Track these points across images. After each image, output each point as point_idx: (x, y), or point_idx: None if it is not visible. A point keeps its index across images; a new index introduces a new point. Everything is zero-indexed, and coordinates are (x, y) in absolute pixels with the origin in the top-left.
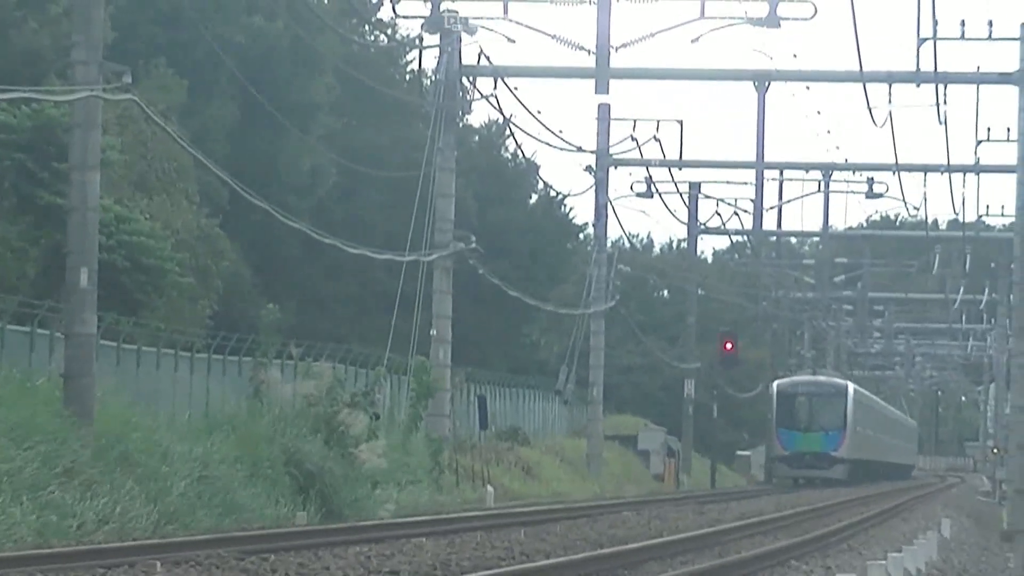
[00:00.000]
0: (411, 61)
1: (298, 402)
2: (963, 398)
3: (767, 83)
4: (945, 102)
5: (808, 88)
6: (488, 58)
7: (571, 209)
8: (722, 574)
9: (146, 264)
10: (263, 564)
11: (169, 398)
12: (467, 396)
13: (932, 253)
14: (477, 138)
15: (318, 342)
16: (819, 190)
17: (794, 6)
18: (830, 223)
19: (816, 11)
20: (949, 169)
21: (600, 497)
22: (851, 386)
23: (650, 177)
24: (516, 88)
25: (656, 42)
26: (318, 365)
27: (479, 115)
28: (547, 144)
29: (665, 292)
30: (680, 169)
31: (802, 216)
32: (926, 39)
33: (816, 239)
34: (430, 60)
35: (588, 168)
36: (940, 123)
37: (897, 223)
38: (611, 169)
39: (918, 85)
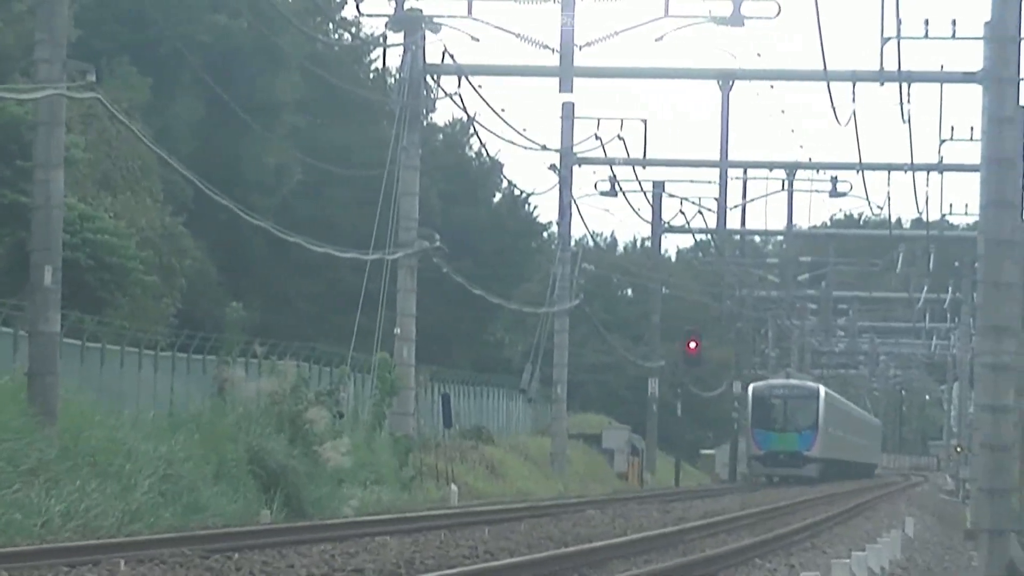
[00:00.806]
0: (375, 59)
1: (262, 400)
2: (927, 397)
3: (731, 82)
4: (909, 101)
5: (772, 87)
6: (452, 56)
7: (535, 208)
8: (686, 573)
9: (110, 262)
10: (227, 562)
11: (133, 397)
12: (431, 394)
13: (896, 252)
14: (441, 136)
15: (282, 340)
16: (783, 189)
17: (758, 5)
18: (794, 222)
19: (780, 10)
20: (913, 168)
21: (564, 496)
22: (823, 389)
23: (614, 176)
24: (480, 86)
25: (620, 41)
26: (282, 363)
27: (443, 113)
28: (511, 143)
29: (629, 291)
30: (644, 168)
31: (766, 215)
32: (890, 38)
33: (780, 238)
34: (394, 58)
35: (552, 167)
36: (904, 122)
37: (861, 222)
38: (575, 168)
39: (882, 84)
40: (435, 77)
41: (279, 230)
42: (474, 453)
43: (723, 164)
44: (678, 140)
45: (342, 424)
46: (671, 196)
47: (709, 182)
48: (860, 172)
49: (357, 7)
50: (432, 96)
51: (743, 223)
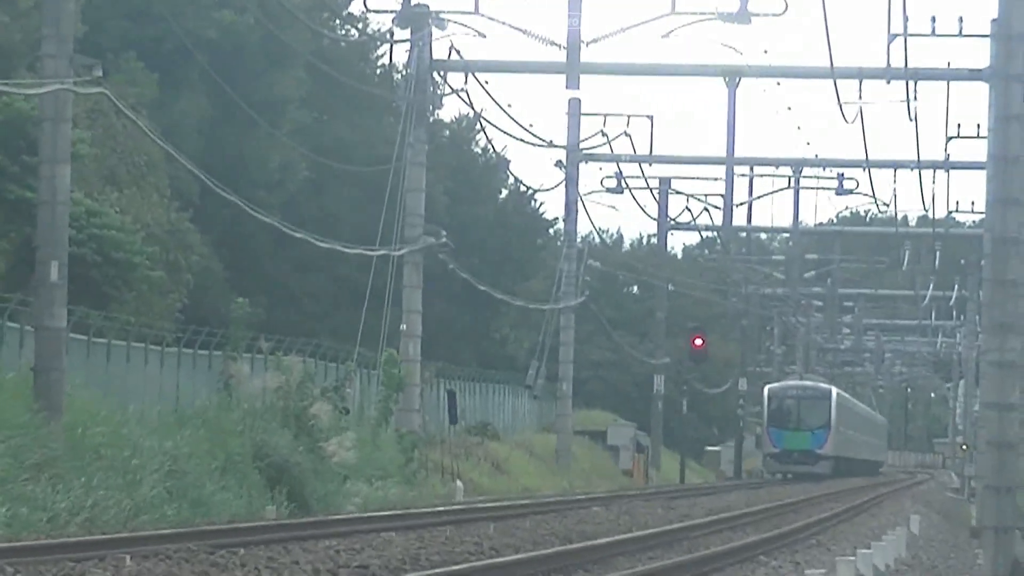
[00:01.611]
0: (382, 56)
1: (268, 396)
2: (932, 394)
3: (738, 79)
4: (915, 98)
5: (779, 84)
6: (459, 53)
7: (541, 204)
8: (691, 569)
9: (116, 258)
10: (232, 558)
11: (139, 392)
12: (437, 391)
13: (902, 249)
14: (448, 133)
15: (288, 336)
16: (789, 186)
17: (765, 2)
18: (800, 219)
19: (787, 7)
20: (919, 165)
21: (569, 492)
22: (835, 390)
23: (620, 172)
24: (487, 83)
25: (627, 37)
26: (288, 359)
27: (449, 110)
28: (517, 139)
29: (635, 288)
30: (650, 164)
31: (772, 212)
32: (897, 35)
33: (786, 235)
34: (401, 55)
35: (558, 163)
36: (910, 119)
37: (867, 219)
38: (581, 164)
39: (888, 81)
40: (441, 73)
41: (285, 226)
42: (479, 449)
43: (729, 161)
44: (684, 137)
45: (347, 420)
46: (677, 193)
47: (715, 179)
48: (866, 169)
49: (364, 3)
50: (438, 92)
51: (749, 220)
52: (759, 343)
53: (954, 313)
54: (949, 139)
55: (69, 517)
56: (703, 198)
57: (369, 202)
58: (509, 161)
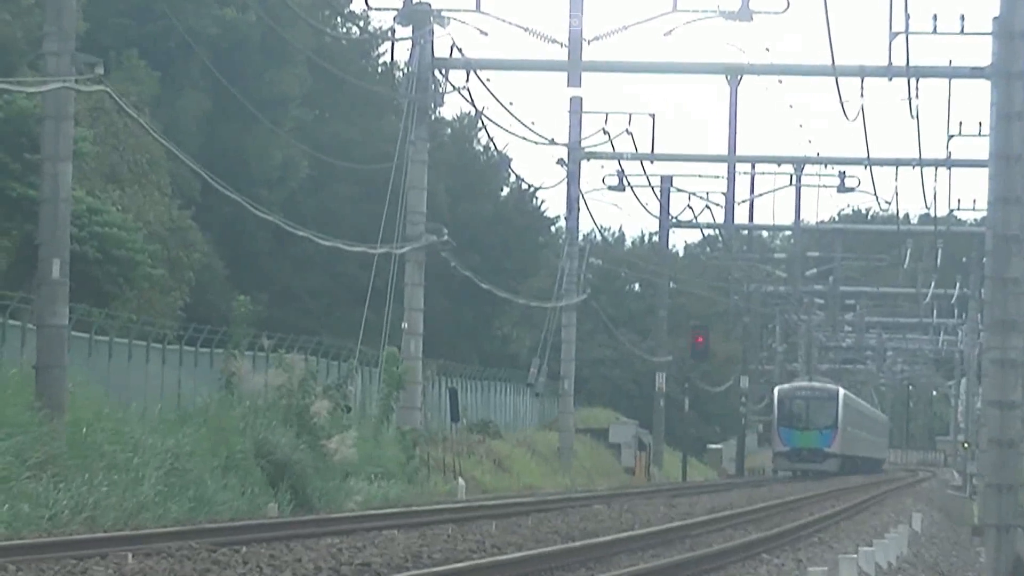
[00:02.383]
0: (383, 53)
1: (270, 394)
2: (934, 392)
3: (739, 77)
4: (917, 96)
5: (780, 82)
6: (460, 50)
7: (543, 202)
8: (693, 567)
9: (118, 256)
10: (234, 556)
11: (141, 390)
12: (438, 389)
13: (903, 247)
14: (449, 131)
15: (289, 334)
16: (791, 184)
17: (766, 0)
18: (802, 217)
19: (788, 5)
20: (921, 163)
21: (571, 490)
22: (842, 391)
23: (622, 170)
24: (488, 80)
25: (628, 35)
26: (289, 357)
27: (451, 108)
28: (519, 137)
29: (636, 285)
30: (652, 162)
31: (774, 210)
32: (898, 33)
33: (788, 233)
34: (402, 52)
35: (560, 161)
36: (912, 117)
37: (869, 217)
38: (583, 162)
39: (890, 79)
40: (443, 71)
41: (287, 224)
42: (481, 447)
43: (731, 159)
44: (686, 135)
45: (349, 418)
46: (679, 191)
47: (717, 177)
48: (868, 167)
49: (365, 1)
50: (440, 90)
51: (751, 218)
52: (761, 341)
53: (956, 311)
54: (951, 137)
55: (71, 515)
56: (705, 196)
57: (370, 200)
58: (511, 159)
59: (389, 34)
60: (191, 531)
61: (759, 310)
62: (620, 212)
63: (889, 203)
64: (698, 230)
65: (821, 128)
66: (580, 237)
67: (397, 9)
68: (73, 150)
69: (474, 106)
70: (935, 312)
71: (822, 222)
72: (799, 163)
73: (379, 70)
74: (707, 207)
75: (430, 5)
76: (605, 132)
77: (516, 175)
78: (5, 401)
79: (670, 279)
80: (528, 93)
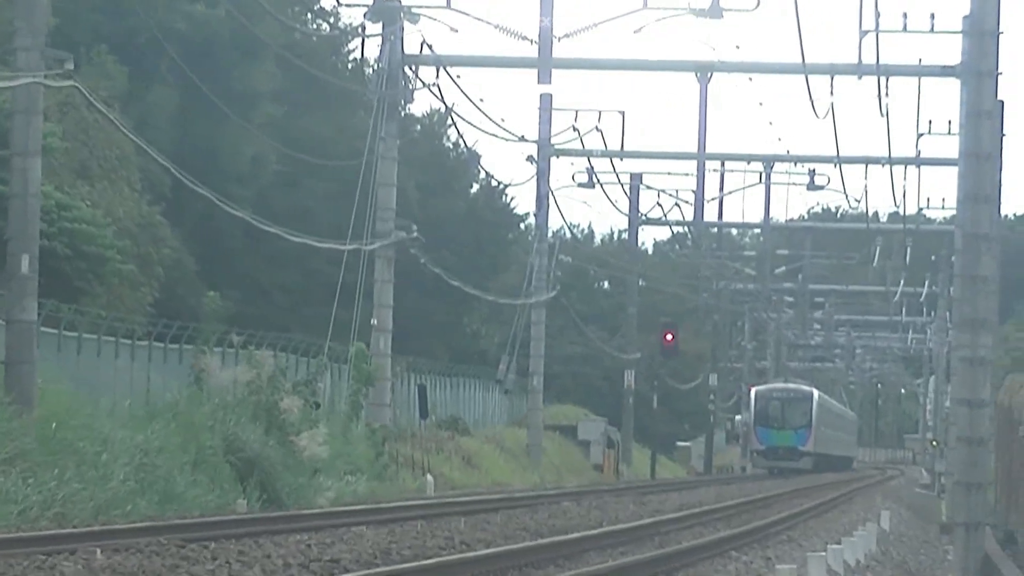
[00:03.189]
0: (354, 50)
1: (239, 390)
2: (903, 390)
3: (709, 74)
4: (887, 95)
5: (750, 80)
6: (431, 47)
7: (512, 199)
8: (662, 565)
9: (87, 251)
10: (203, 551)
11: (110, 386)
12: (407, 385)
13: (873, 245)
14: (419, 127)
15: (259, 330)
16: (760, 182)
17: None
18: (771, 215)
19: (759, 2)
20: (890, 161)
21: (540, 487)
22: (816, 392)
23: (592, 167)
24: (458, 77)
25: (599, 32)
26: (259, 353)
27: (421, 104)
28: (489, 134)
29: (606, 283)
30: (622, 160)
31: (743, 208)
32: (868, 31)
33: (757, 231)
34: (373, 49)
35: (530, 158)
36: (882, 115)
37: (838, 215)
38: (553, 159)
39: (860, 77)
40: (413, 68)
41: (256, 220)
42: (450, 444)
43: (701, 156)
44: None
45: (318, 414)
46: (648, 188)
47: (686, 174)
48: (838, 165)
49: None
50: (410, 87)
51: (720, 215)
52: (730, 338)
53: (924, 309)
54: (920, 135)
55: (40, 511)
56: (674, 193)
57: (341, 196)
58: (480, 156)
59: (359, 30)
60: (160, 527)
61: (728, 308)
62: (590, 209)
63: (859, 201)
64: (667, 227)
65: (791, 126)
66: (550, 234)
67: (367, 5)
68: (42, 145)
69: (444, 103)
70: (904, 310)
71: (792, 220)
72: (769, 161)
73: (349, 66)
74: (676, 204)
75: (400, 2)
76: (575, 129)
77: (486, 172)
78: None
79: (639, 276)
80: (498, 90)
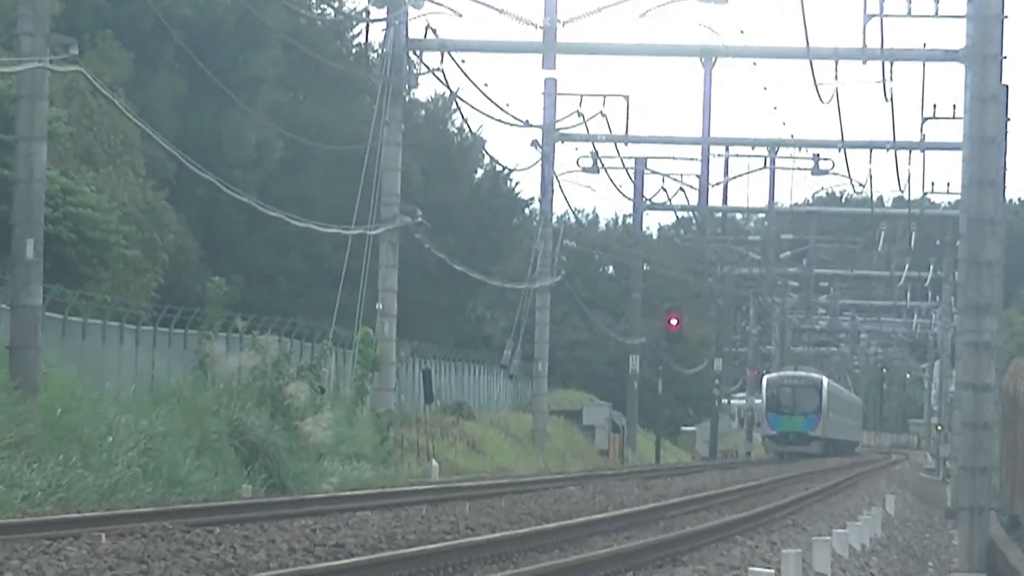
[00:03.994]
0: (358, 35)
1: (244, 375)
2: (907, 375)
3: (714, 59)
4: (891, 79)
5: (755, 64)
6: (435, 32)
7: (517, 184)
8: (667, 549)
9: (92, 236)
10: (208, 536)
11: (115, 371)
12: (412, 370)
13: (877, 230)
14: (423, 112)
15: (264, 315)
16: (765, 166)
17: None
18: (776, 199)
19: None
20: (895, 146)
21: (545, 472)
22: (825, 380)
23: (596, 152)
24: (463, 62)
25: (603, 17)
26: (264, 338)
27: (425, 89)
28: (493, 119)
29: (610, 268)
30: (626, 144)
31: (748, 192)
32: (873, 16)
33: (762, 215)
34: (377, 34)
35: (534, 143)
36: (886, 100)
37: (843, 200)
38: (557, 144)
39: (864, 62)
40: (417, 53)
41: (261, 205)
42: (455, 429)
43: (705, 141)
44: (660, 117)
45: (323, 399)
46: (653, 173)
47: (691, 159)
48: (842, 150)
49: None
50: (414, 72)
51: (725, 200)
52: (734, 323)
53: (929, 294)
54: (925, 120)
55: (45, 495)
56: (679, 178)
57: (345, 181)
58: (485, 141)
59: (363, 15)
60: (164, 512)
61: (733, 292)
62: (594, 194)
63: (863, 186)
64: (672, 212)
65: (795, 111)
66: (554, 219)
67: None
68: (47, 131)
69: (448, 88)
70: (909, 295)
71: (796, 204)
72: (773, 146)
73: (354, 52)
74: (681, 189)
75: None
76: (579, 114)
77: (490, 157)
78: None
79: (644, 261)
80: (502, 75)
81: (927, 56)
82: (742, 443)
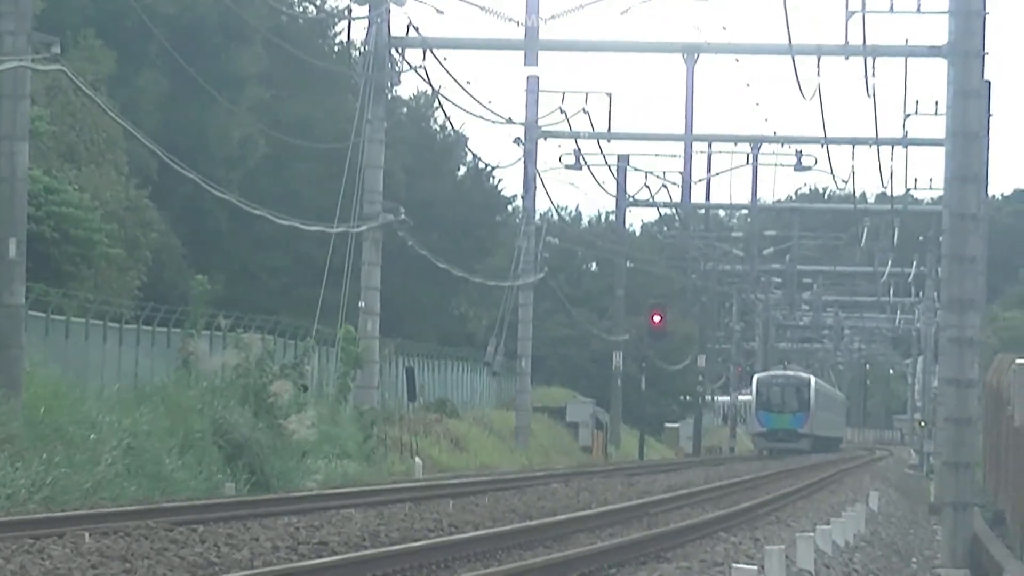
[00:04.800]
0: (340, 32)
1: (227, 373)
2: (891, 371)
3: (696, 55)
4: (874, 75)
5: (737, 61)
6: (417, 29)
7: (500, 181)
8: (651, 546)
9: (75, 235)
10: (192, 534)
11: (98, 369)
12: (396, 368)
13: (860, 226)
14: (406, 110)
15: (247, 313)
16: (748, 163)
17: None
18: (759, 196)
19: None
20: (878, 142)
21: (528, 469)
22: (813, 379)
23: (579, 149)
24: (445, 59)
25: (585, 14)
26: (247, 336)
27: (408, 87)
28: (476, 116)
29: (594, 264)
30: (609, 141)
31: (731, 189)
32: (855, 12)
33: (745, 212)
34: (359, 31)
35: (517, 140)
36: (869, 96)
37: (826, 196)
38: (540, 141)
39: (847, 58)
40: (400, 50)
41: (244, 203)
42: (438, 426)
43: (688, 138)
44: (643, 114)
45: (306, 397)
46: (636, 170)
47: (674, 156)
48: (825, 146)
49: None
50: (397, 69)
51: (708, 197)
52: (718, 320)
53: (912, 289)
54: (907, 116)
55: (28, 494)
56: (661, 175)
57: (328, 179)
58: (467, 138)
59: (346, 13)
60: (148, 510)
61: (716, 289)
62: (577, 191)
63: (846, 182)
64: (655, 209)
65: (778, 107)
66: (537, 216)
67: None
68: (29, 129)
69: (431, 85)
70: (892, 291)
71: (779, 201)
72: (756, 142)
73: (336, 49)
74: (664, 186)
75: None
76: (562, 111)
77: (473, 154)
78: None
79: (627, 258)
80: (485, 72)
81: (909, 52)
82: (726, 439)
